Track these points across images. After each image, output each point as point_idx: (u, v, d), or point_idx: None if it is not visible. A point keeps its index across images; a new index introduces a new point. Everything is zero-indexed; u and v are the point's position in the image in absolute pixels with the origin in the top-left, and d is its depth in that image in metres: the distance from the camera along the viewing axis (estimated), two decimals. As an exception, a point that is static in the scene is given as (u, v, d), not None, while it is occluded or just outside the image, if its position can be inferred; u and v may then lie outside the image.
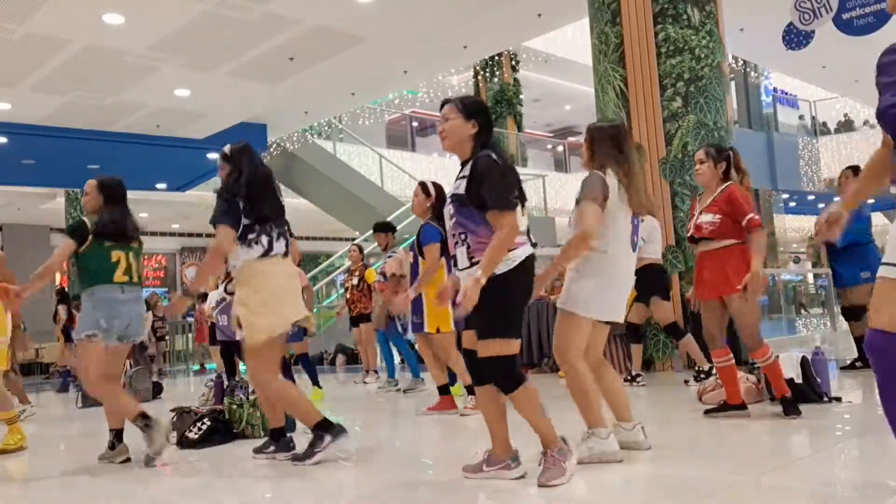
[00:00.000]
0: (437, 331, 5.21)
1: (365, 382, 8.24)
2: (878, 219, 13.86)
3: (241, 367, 7.33)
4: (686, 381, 5.95)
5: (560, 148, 24.30)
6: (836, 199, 6.32)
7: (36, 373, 15.30)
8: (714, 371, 6.25)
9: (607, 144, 3.38)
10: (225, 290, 6.87)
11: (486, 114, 3.05)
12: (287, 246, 3.83)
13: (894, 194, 2.04)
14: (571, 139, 23.87)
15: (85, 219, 4.13)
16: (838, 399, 4.56)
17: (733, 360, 4.28)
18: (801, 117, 21.31)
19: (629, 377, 6.18)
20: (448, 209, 3.04)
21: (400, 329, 7.27)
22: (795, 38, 8.57)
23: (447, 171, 14.98)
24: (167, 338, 14.00)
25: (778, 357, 4.26)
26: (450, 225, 3.03)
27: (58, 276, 17.23)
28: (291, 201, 18.14)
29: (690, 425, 4.15)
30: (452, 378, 5.72)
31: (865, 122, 20.44)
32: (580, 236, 3.17)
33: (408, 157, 18.09)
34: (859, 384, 5.45)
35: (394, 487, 2.83)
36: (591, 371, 3.54)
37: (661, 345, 7.15)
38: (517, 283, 2.89)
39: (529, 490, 2.90)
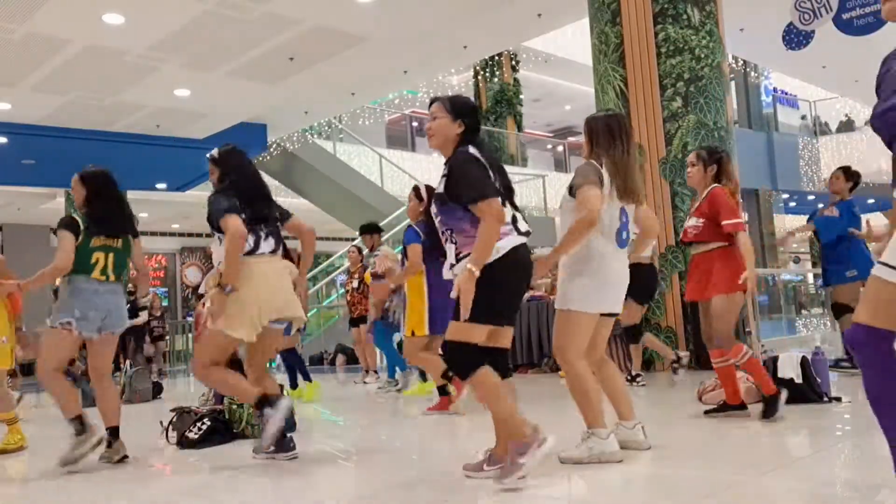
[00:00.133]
0: (412, 334, 5.23)
1: (365, 382, 8.25)
2: (880, 219, 13.85)
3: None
4: (675, 370, 6.07)
5: (560, 148, 24.30)
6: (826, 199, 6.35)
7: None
8: (682, 358, 6.31)
9: (603, 134, 3.37)
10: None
11: (474, 114, 3.04)
12: (277, 244, 3.85)
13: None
14: (571, 139, 23.86)
15: (75, 216, 4.11)
16: (838, 399, 4.57)
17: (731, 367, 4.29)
18: (803, 117, 21.32)
19: (629, 377, 6.19)
20: (433, 208, 3.06)
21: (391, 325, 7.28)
22: (795, 38, 8.57)
23: (447, 171, 14.94)
24: (167, 338, 13.99)
25: (754, 354, 4.27)
26: (437, 224, 3.04)
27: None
28: (291, 201, 18.12)
29: (690, 425, 4.15)
30: (424, 376, 5.76)
31: (866, 122, 20.44)
32: (585, 222, 3.15)
33: (408, 157, 18.09)
34: (859, 384, 5.44)
35: (394, 487, 2.83)
36: (593, 369, 3.54)
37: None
38: (502, 273, 2.85)
39: (529, 490, 2.90)
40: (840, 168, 6.38)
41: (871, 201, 17.79)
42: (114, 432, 4.09)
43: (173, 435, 4.69)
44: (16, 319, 5.08)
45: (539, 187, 17.38)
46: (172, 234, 21.46)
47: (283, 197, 18.08)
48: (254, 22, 8.84)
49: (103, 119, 11.96)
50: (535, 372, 8.05)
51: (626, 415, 3.48)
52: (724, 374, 4.28)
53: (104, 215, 4.10)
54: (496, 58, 18.02)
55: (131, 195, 16.27)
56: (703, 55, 7.23)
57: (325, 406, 6.71)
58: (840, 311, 6.25)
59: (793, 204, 21.61)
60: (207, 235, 16.30)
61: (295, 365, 7.21)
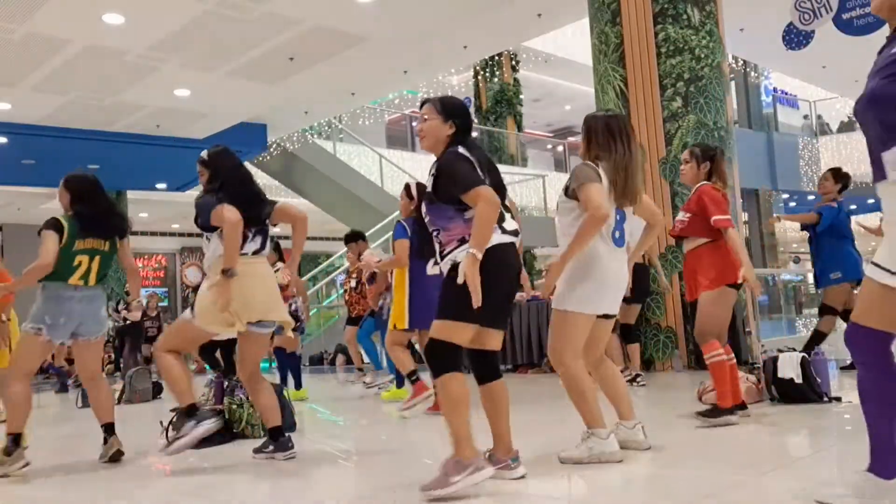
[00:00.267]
0: (395, 327, 5.33)
1: (365, 382, 8.23)
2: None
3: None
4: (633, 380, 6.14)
5: (560, 148, 24.29)
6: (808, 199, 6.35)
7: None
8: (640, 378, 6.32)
9: (602, 134, 3.36)
10: None
11: (465, 115, 3.03)
12: (262, 244, 3.85)
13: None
14: (571, 139, 23.85)
15: (59, 217, 4.09)
16: (838, 399, 4.57)
17: (734, 360, 4.28)
18: (805, 117, 21.31)
19: (629, 377, 6.19)
20: (422, 207, 3.06)
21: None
22: (795, 38, 8.58)
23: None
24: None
25: (727, 359, 4.23)
26: (427, 223, 3.04)
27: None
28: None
29: (690, 425, 4.14)
30: (401, 380, 5.81)
31: (866, 122, 20.40)
32: (595, 219, 3.13)
33: (408, 157, 18.09)
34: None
35: (393, 487, 2.83)
36: (592, 369, 3.54)
37: (661, 345, 7.16)
38: (482, 271, 2.79)
39: (529, 490, 2.91)
40: (829, 170, 6.40)
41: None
42: (108, 428, 4.13)
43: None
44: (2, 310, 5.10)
45: (539, 187, 17.38)
46: (172, 234, 21.46)
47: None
48: (254, 22, 8.84)
49: (103, 119, 11.96)
50: (535, 372, 8.05)
51: (625, 414, 3.48)
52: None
53: (91, 217, 4.09)
54: (496, 58, 18.02)
55: (131, 195, 16.39)
56: (703, 55, 7.23)
57: (325, 406, 6.71)
58: (824, 311, 6.27)
59: (793, 204, 21.62)
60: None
61: (289, 368, 7.17)
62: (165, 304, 20.28)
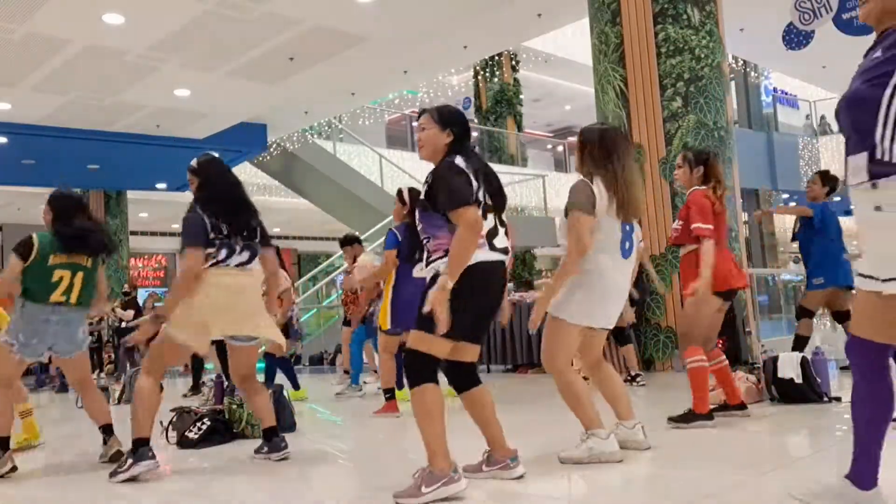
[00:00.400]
0: (384, 332, 5.40)
1: (365, 382, 8.22)
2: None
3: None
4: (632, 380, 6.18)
5: (560, 148, 24.31)
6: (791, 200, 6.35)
7: (35, 373, 15.27)
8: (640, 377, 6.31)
9: (596, 150, 3.35)
10: None
11: (462, 123, 3.03)
12: (250, 259, 3.79)
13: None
14: (571, 139, 23.83)
15: (33, 234, 4.08)
16: (838, 399, 4.57)
17: (726, 362, 4.29)
18: (808, 117, 21.31)
19: (629, 377, 6.20)
20: (416, 213, 3.06)
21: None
22: (795, 38, 8.58)
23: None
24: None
25: (719, 362, 4.21)
26: (419, 230, 3.04)
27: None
28: (291, 201, 18.18)
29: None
30: (399, 383, 5.83)
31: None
32: (575, 253, 3.15)
33: (408, 157, 18.07)
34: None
35: (393, 487, 2.83)
36: (590, 372, 3.55)
37: (661, 345, 7.16)
38: (464, 287, 2.79)
39: (529, 490, 2.91)
40: (817, 173, 6.39)
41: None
42: (107, 430, 4.16)
43: (173, 435, 4.70)
44: None
45: (539, 187, 17.37)
46: (172, 234, 21.45)
47: (283, 197, 18.14)
48: (254, 22, 8.84)
49: (103, 119, 11.96)
50: (535, 372, 8.04)
51: (625, 415, 3.48)
52: (718, 375, 4.28)
53: (71, 237, 4.05)
54: (496, 58, 18.02)
55: (131, 195, 16.39)
56: (703, 55, 7.23)
57: (325, 406, 6.71)
58: (800, 314, 6.26)
59: (792, 204, 21.62)
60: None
61: (283, 371, 7.13)
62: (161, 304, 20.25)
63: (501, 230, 2.97)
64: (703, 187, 4.18)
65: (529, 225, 15.78)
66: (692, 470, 3.12)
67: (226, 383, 5.98)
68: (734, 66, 16.56)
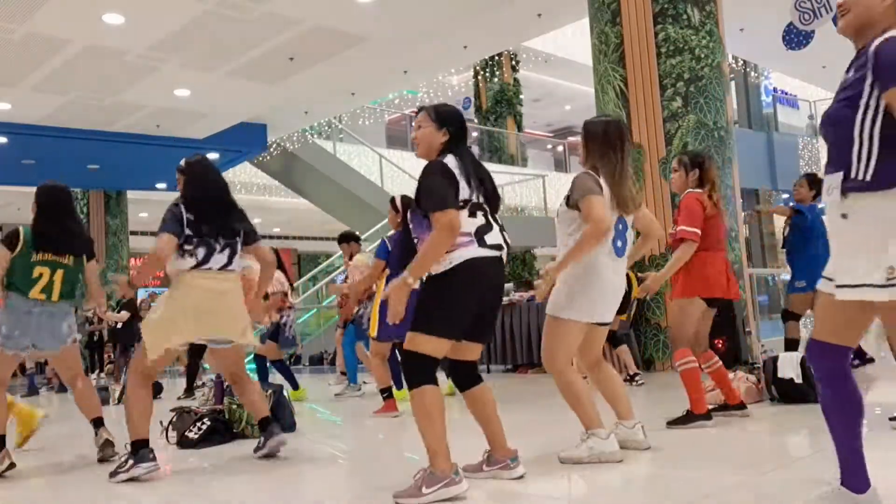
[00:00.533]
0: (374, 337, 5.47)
1: (364, 383, 8.23)
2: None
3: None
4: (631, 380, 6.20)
5: (560, 148, 24.31)
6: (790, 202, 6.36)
7: (36, 373, 15.28)
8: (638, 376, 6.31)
9: (599, 143, 3.35)
10: None
11: (459, 123, 3.03)
12: (230, 260, 3.79)
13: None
14: (571, 139, 23.85)
15: (20, 227, 4.10)
16: (838, 399, 4.56)
17: (720, 363, 4.29)
18: (810, 117, 21.28)
19: (628, 377, 6.20)
20: (408, 214, 3.07)
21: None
22: (795, 38, 8.58)
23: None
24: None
25: (712, 364, 4.21)
26: (411, 229, 3.04)
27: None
28: (291, 201, 18.19)
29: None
30: (398, 383, 5.84)
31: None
32: (599, 233, 3.14)
33: (408, 157, 18.08)
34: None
35: (393, 487, 2.83)
36: (589, 371, 3.55)
37: (662, 345, 7.15)
38: (455, 285, 2.80)
39: (529, 490, 2.91)
40: (804, 175, 6.41)
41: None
42: (97, 422, 4.21)
43: (173, 435, 4.70)
44: None
45: (539, 187, 17.38)
46: (172, 234, 21.44)
47: (283, 197, 18.15)
48: (254, 22, 8.84)
49: (103, 119, 11.96)
50: (535, 372, 8.04)
51: (625, 414, 3.48)
52: (714, 376, 4.28)
53: (41, 235, 4.06)
54: (496, 58, 18.02)
55: (131, 195, 16.37)
56: (703, 55, 7.23)
57: (325, 406, 6.71)
58: (786, 317, 6.26)
59: (792, 204, 21.59)
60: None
61: (279, 372, 7.12)
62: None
63: (496, 227, 2.96)
64: (698, 190, 4.17)
65: (529, 225, 15.78)
66: (692, 470, 3.11)
67: (226, 384, 5.98)
68: (734, 66, 16.55)
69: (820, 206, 6.26)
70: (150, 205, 16.97)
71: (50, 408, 8.42)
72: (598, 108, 7.73)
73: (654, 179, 7.22)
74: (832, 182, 2.08)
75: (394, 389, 5.63)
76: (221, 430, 4.60)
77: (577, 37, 14.80)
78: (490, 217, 2.96)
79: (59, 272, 4.06)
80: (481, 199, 2.94)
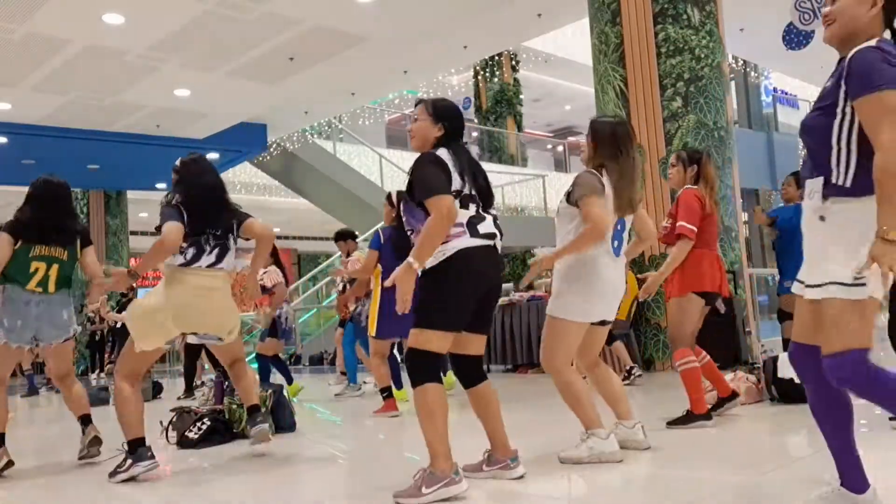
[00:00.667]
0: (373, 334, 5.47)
1: (364, 383, 8.23)
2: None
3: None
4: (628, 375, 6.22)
5: (560, 148, 24.31)
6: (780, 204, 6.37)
7: (35, 373, 15.28)
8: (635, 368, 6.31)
9: (608, 143, 3.36)
10: None
11: (456, 118, 3.02)
12: (219, 258, 3.80)
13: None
14: (571, 139, 23.87)
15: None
16: (838, 399, 4.56)
17: (708, 357, 4.28)
18: None
19: (626, 374, 6.20)
20: (401, 209, 3.07)
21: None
22: (795, 38, 8.59)
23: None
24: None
25: (699, 365, 4.22)
26: (404, 222, 3.04)
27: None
28: (291, 201, 18.18)
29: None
30: (398, 383, 5.84)
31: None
32: (597, 232, 3.14)
33: (408, 157, 18.07)
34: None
35: (393, 487, 2.83)
36: (588, 372, 3.55)
37: (662, 345, 7.16)
38: (451, 276, 2.80)
39: (529, 490, 2.91)
40: (791, 175, 6.39)
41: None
42: (84, 420, 4.25)
43: (173, 435, 4.70)
44: None
45: (539, 187, 17.38)
46: (172, 234, 21.45)
47: (283, 197, 18.14)
48: (254, 22, 8.84)
49: (103, 119, 11.96)
50: (535, 372, 8.04)
51: (624, 414, 3.48)
52: (704, 370, 4.28)
53: (28, 224, 4.08)
54: (496, 58, 18.02)
55: (131, 195, 16.36)
56: (703, 55, 7.23)
57: (325, 406, 6.71)
58: (782, 316, 6.25)
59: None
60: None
61: (277, 369, 7.13)
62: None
63: (489, 217, 2.95)
64: (696, 187, 4.17)
65: (529, 225, 15.77)
66: (692, 470, 3.11)
67: (226, 383, 5.98)
68: (734, 66, 16.55)
69: None
70: (150, 205, 16.94)
71: (50, 408, 8.42)
72: (598, 108, 7.73)
73: (654, 179, 7.22)
74: (813, 186, 2.11)
75: (393, 389, 5.63)
76: (221, 430, 4.59)
77: (577, 37, 14.80)
78: (482, 210, 2.96)
79: (55, 266, 4.09)
80: (473, 192, 2.94)
